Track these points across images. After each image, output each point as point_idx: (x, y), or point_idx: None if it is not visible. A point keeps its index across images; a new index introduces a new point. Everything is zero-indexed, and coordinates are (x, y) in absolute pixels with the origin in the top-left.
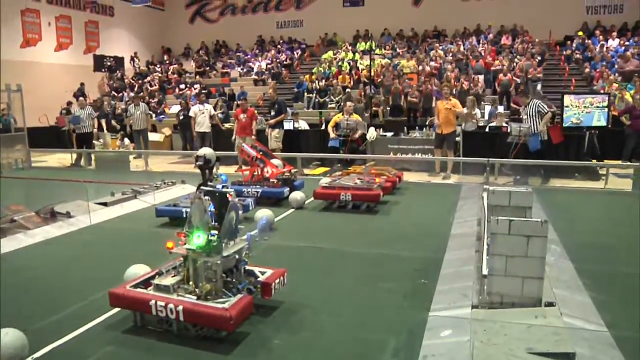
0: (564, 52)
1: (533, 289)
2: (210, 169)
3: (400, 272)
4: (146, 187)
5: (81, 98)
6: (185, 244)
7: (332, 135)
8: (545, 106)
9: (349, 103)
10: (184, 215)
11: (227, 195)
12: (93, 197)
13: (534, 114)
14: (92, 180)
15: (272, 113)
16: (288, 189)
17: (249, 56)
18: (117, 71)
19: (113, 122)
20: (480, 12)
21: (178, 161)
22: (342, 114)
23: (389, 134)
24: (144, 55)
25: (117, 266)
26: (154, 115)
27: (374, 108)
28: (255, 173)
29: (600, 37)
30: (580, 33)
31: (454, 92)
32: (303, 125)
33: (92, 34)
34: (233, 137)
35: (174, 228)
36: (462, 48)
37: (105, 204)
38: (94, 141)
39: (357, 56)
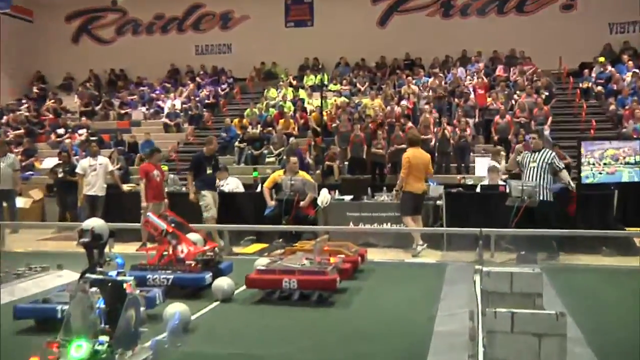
0: (580, 85)
1: None
2: (101, 247)
3: None
4: (2, 275)
5: None
6: (58, 359)
7: (268, 200)
8: (561, 162)
9: (292, 159)
10: (59, 316)
11: (124, 285)
12: None
13: (544, 166)
14: None
15: (209, 171)
16: (211, 274)
17: (157, 92)
18: None
19: None
20: (467, 35)
21: (52, 237)
22: (284, 172)
23: (347, 198)
24: (6, 83)
25: None
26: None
27: (327, 163)
28: (165, 253)
29: (630, 62)
30: (602, 59)
31: (433, 140)
32: (234, 185)
33: None
34: (144, 204)
35: (41, 334)
36: (443, 82)
37: None
38: None
39: (304, 93)
